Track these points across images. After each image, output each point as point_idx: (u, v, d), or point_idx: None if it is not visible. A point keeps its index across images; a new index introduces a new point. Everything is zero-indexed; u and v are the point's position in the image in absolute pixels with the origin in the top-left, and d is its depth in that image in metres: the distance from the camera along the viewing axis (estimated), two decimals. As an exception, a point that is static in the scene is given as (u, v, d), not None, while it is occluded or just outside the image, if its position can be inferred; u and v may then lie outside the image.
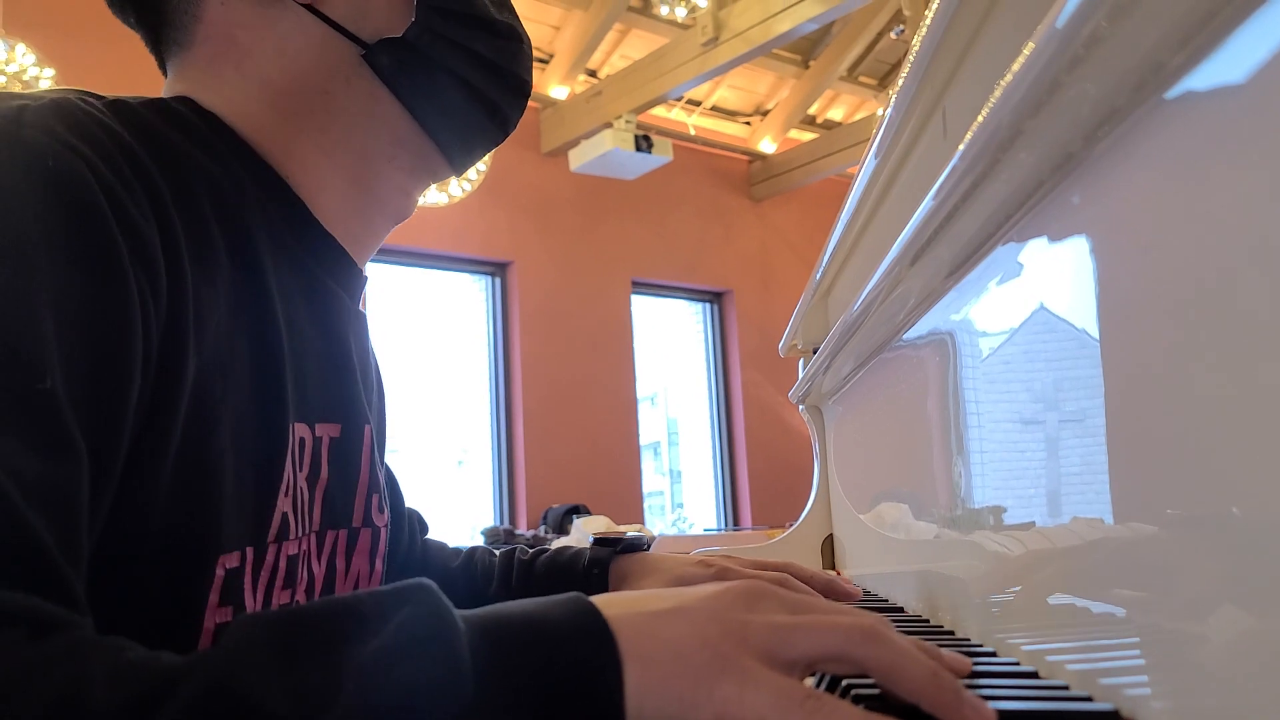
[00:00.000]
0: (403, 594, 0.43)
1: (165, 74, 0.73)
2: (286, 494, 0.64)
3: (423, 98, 0.73)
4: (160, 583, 0.54)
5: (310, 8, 0.70)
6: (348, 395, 0.74)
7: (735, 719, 0.42)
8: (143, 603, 0.53)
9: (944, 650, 0.51)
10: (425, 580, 0.44)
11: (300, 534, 0.67)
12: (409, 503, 1.05)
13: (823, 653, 0.45)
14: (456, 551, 1.05)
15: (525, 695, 0.41)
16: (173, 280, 0.54)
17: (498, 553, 1.04)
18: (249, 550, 0.60)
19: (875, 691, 0.48)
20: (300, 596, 0.67)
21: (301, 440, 0.67)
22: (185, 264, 0.55)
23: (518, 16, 0.79)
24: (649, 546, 0.98)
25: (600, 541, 0.98)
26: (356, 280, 0.77)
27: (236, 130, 0.68)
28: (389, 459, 0.91)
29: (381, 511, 0.79)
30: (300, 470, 0.66)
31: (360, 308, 0.80)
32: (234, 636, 0.40)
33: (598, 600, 0.46)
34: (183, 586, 0.55)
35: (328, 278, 0.73)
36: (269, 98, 0.69)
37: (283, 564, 0.64)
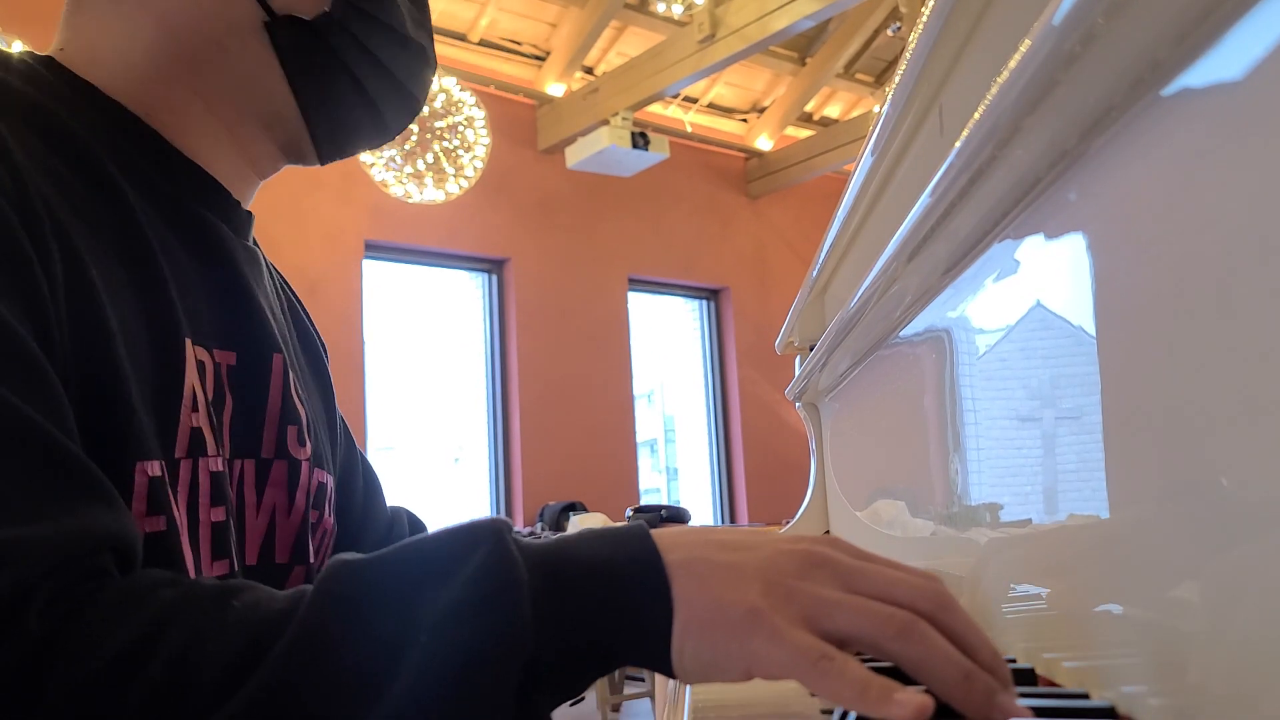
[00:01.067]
0: (474, 538, 0.47)
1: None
2: (194, 409, 0.64)
3: (310, 83, 0.73)
4: None
5: None
6: (244, 323, 0.73)
7: (762, 671, 0.45)
8: None
9: (989, 651, 0.49)
10: (495, 522, 0.48)
11: (219, 453, 0.67)
12: (406, 502, 1.04)
13: (857, 637, 0.46)
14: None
15: (583, 637, 0.46)
16: (56, 229, 0.56)
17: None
18: (159, 463, 0.60)
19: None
20: (232, 519, 0.67)
21: (201, 364, 0.66)
22: (64, 222, 0.57)
23: (432, 41, 0.80)
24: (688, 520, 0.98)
25: (640, 510, 0.98)
26: (235, 212, 0.76)
27: (100, 84, 0.68)
28: (379, 456, 0.91)
29: (302, 445, 0.77)
30: (206, 392, 0.66)
31: (252, 245, 0.79)
32: (320, 585, 0.45)
33: (665, 540, 0.49)
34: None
35: (202, 209, 0.72)
36: (161, 40, 0.69)
37: (204, 480, 0.64)
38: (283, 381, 0.75)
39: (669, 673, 0.47)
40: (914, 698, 0.42)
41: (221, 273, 0.72)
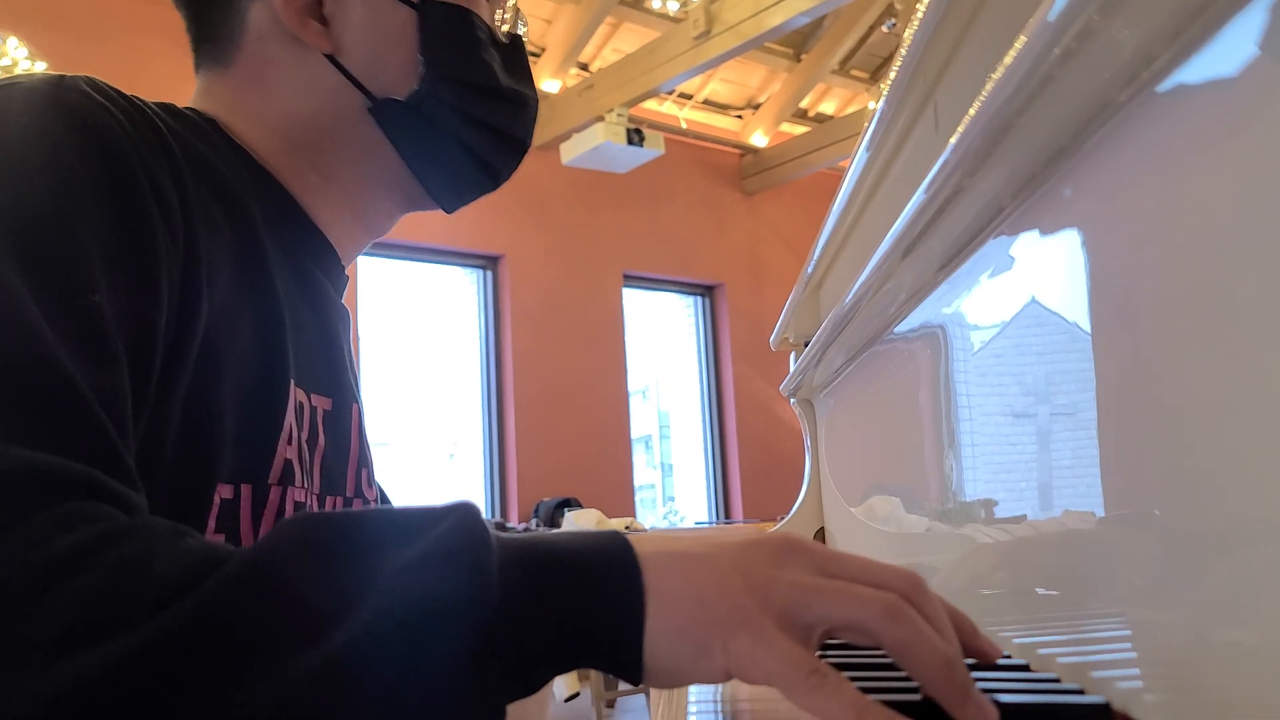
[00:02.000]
0: (444, 511, 0.46)
1: (196, 74, 0.80)
2: (290, 443, 0.68)
3: (418, 152, 0.79)
4: (166, 505, 0.56)
5: (331, 58, 0.76)
6: (337, 373, 0.79)
7: (743, 674, 0.44)
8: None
9: (981, 633, 0.50)
10: (468, 501, 0.47)
11: (305, 485, 0.70)
12: (401, 498, 1.05)
13: (841, 621, 0.45)
14: None
15: (548, 616, 0.44)
16: (188, 236, 0.60)
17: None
18: (246, 487, 0.64)
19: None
20: None
21: (300, 404, 0.71)
22: (197, 226, 0.61)
23: (531, 80, 0.84)
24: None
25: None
26: (341, 277, 0.84)
27: (247, 147, 0.75)
28: (374, 452, 0.93)
29: (371, 486, 0.83)
30: (301, 430, 0.71)
31: (344, 302, 0.85)
32: (281, 528, 0.44)
33: (633, 538, 0.47)
34: (187, 510, 0.59)
35: (318, 269, 0.79)
36: (284, 127, 0.76)
37: (289, 507, 0.68)
38: (359, 429, 0.82)
39: (635, 673, 0.44)
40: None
41: (325, 326, 0.78)
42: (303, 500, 0.70)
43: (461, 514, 0.45)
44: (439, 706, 0.41)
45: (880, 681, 0.55)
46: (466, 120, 0.79)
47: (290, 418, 0.69)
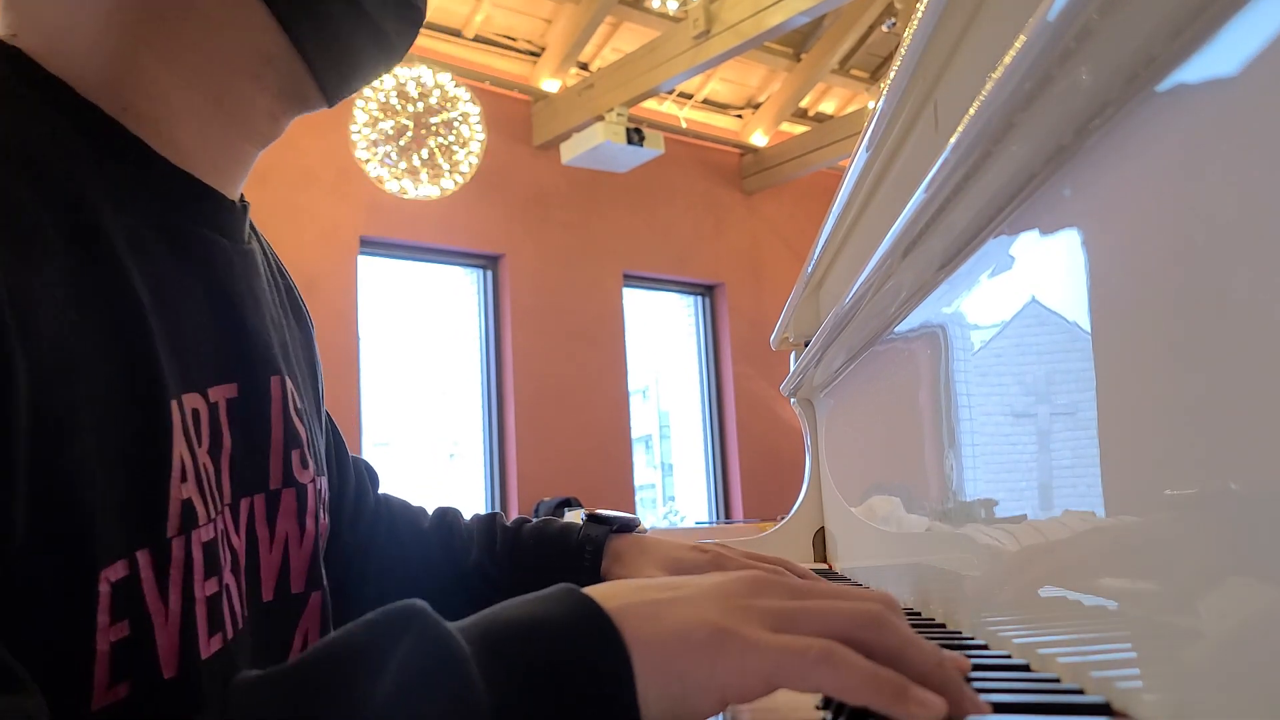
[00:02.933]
0: (397, 623, 0.42)
1: None
2: (184, 479, 0.56)
3: (300, 10, 0.64)
4: (39, 612, 0.48)
5: None
6: (242, 349, 0.67)
7: (740, 690, 0.43)
8: (26, 634, 0.46)
9: (945, 650, 0.51)
10: (415, 603, 0.43)
11: (212, 516, 0.60)
12: (402, 497, 1.04)
13: (829, 635, 0.44)
14: (422, 511, 1.02)
15: (543, 708, 0.42)
16: None
17: (468, 517, 1.01)
18: (141, 555, 0.53)
19: None
20: (228, 579, 0.62)
21: (194, 412, 0.60)
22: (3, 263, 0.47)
23: None
24: (639, 529, 0.98)
25: (593, 518, 0.97)
26: (229, 216, 0.68)
27: (66, 76, 0.59)
28: (374, 452, 0.90)
29: (305, 467, 0.73)
30: (199, 446, 0.60)
31: (248, 241, 0.72)
32: (234, 707, 0.40)
33: (597, 593, 0.46)
34: (64, 612, 0.49)
35: (195, 225, 0.64)
36: (116, 5, 0.60)
37: (198, 554, 0.57)
38: (283, 406, 0.70)
39: None
40: (931, 695, 0.41)
41: (216, 296, 0.65)
42: (210, 536, 0.59)
43: (419, 623, 0.42)
44: None
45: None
46: None
47: (180, 447, 0.57)
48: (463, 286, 6.32)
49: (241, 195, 0.72)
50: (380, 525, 0.98)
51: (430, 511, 1.03)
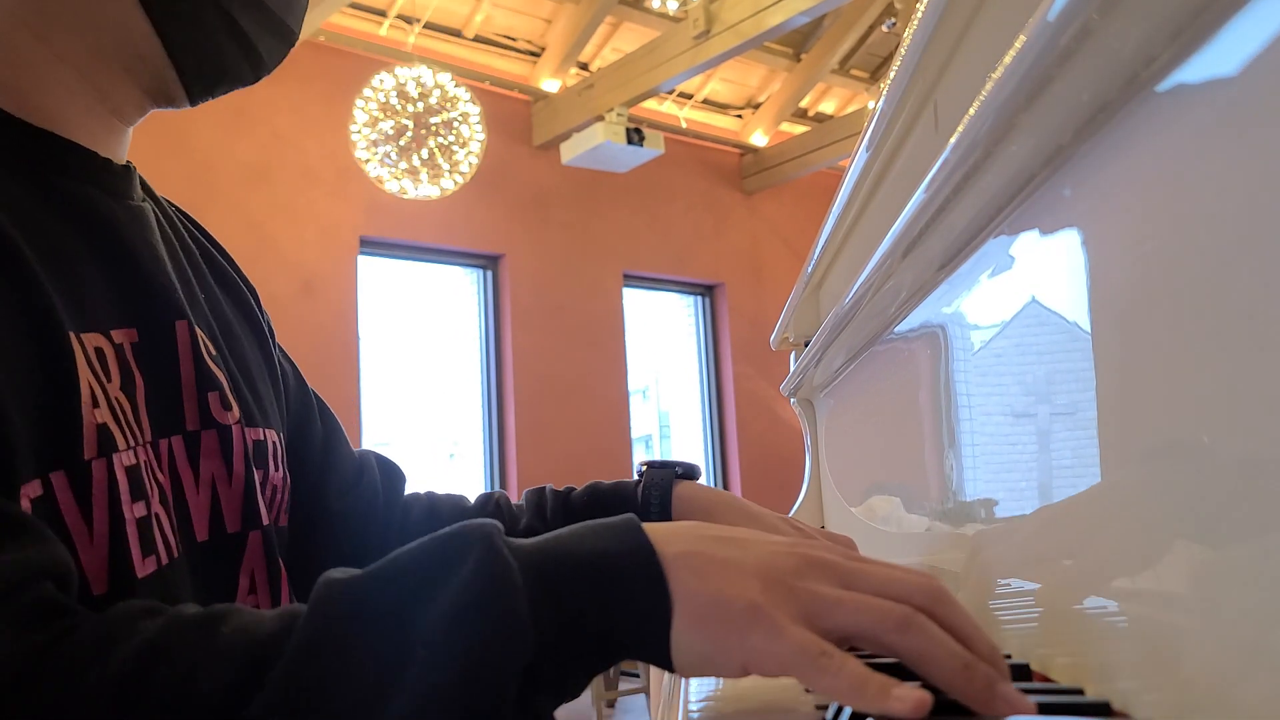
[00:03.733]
0: (467, 545, 0.46)
1: None
2: (96, 405, 0.59)
3: (173, 17, 0.66)
4: None
5: None
6: (138, 295, 0.68)
7: (761, 668, 0.45)
8: None
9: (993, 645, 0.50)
10: (486, 524, 0.47)
11: (131, 444, 0.62)
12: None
13: (855, 631, 0.46)
14: (464, 497, 1.03)
15: (583, 637, 0.46)
16: None
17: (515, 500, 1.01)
18: (56, 477, 0.56)
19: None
20: (156, 509, 0.63)
21: (98, 350, 0.62)
22: None
23: None
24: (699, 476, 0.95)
25: (653, 465, 0.94)
26: (109, 174, 0.70)
27: None
28: (382, 444, 0.90)
29: (228, 409, 0.73)
30: (110, 380, 0.62)
31: (138, 201, 0.73)
32: (315, 603, 0.44)
33: (658, 534, 0.49)
34: None
35: (70, 181, 0.66)
36: None
37: (122, 477, 0.60)
38: (191, 348, 0.71)
39: (667, 666, 0.47)
40: (912, 693, 0.42)
41: (105, 246, 0.67)
42: (133, 462, 0.61)
43: (482, 549, 0.46)
44: None
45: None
46: None
47: (87, 376, 0.59)
48: (463, 286, 6.32)
49: (128, 162, 0.74)
50: (417, 505, 1.00)
51: (478, 498, 1.03)
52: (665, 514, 0.91)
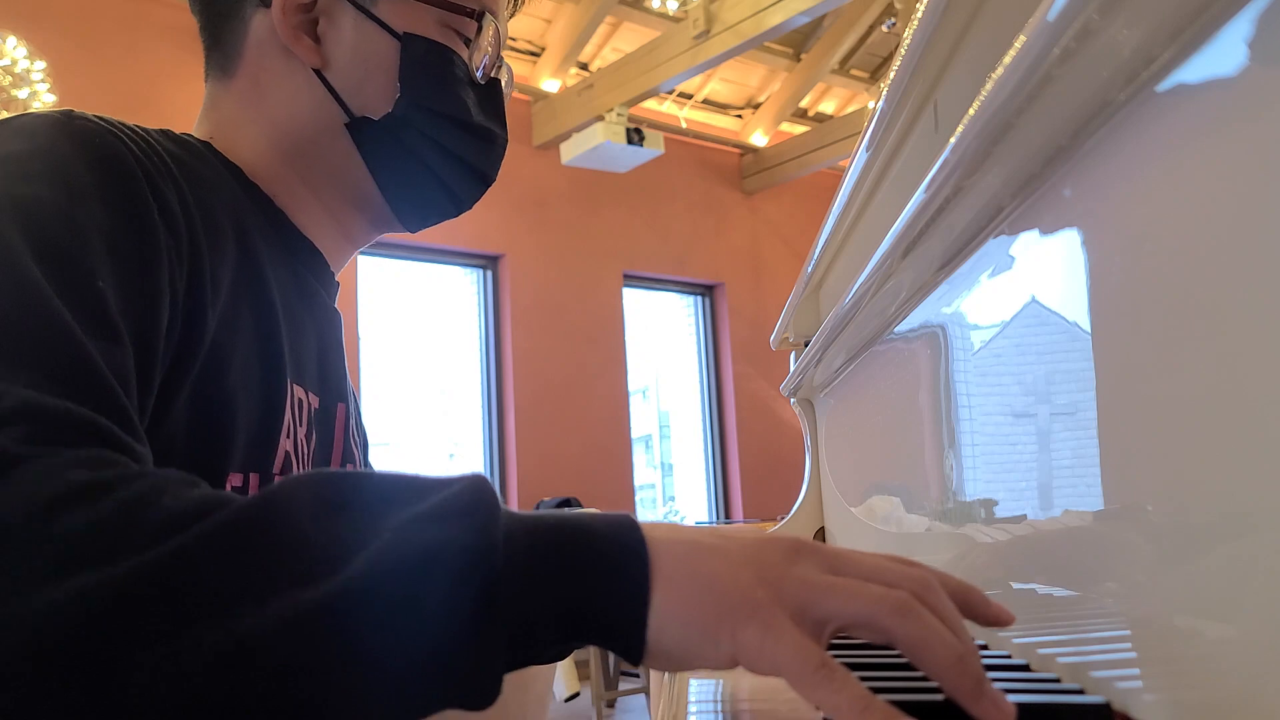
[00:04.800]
0: (456, 478, 0.47)
1: (206, 82, 0.88)
2: (288, 436, 0.74)
3: (387, 172, 0.85)
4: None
5: (319, 73, 0.82)
6: (327, 373, 0.85)
7: (751, 664, 0.44)
8: None
9: (993, 601, 0.50)
10: (480, 473, 0.47)
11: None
12: None
13: (852, 617, 0.45)
14: None
15: (551, 585, 0.44)
16: (192, 244, 0.65)
17: None
18: (254, 476, 0.70)
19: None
20: None
21: (299, 400, 0.78)
22: (200, 235, 0.67)
23: (503, 122, 0.91)
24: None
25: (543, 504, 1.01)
26: (331, 283, 0.90)
27: (241, 165, 0.81)
28: (375, 452, 0.99)
29: None
30: (299, 425, 0.77)
31: (335, 305, 0.91)
32: (291, 480, 0.45)
33: (644, 524, 0.48)
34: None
35: (309, 275, 0.85)
36: (273, 136, 0.83)
37: None
38: (344, 428, 0.88)
39: (636, 654, 0.45)
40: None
41: (317, 328, 0.84)
42: None
43: (472, 480, 0.46)
44: (437, 664, 0.42)
45: (893, 681, 0.55)
46: (434, 146, 0.85)
47: (289, 413, 0.75)
48: (463, 286, 6.32)
49: (338, 281, 0.93)
50: None
51: None
52: None
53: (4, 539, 0.40)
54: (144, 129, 0.71)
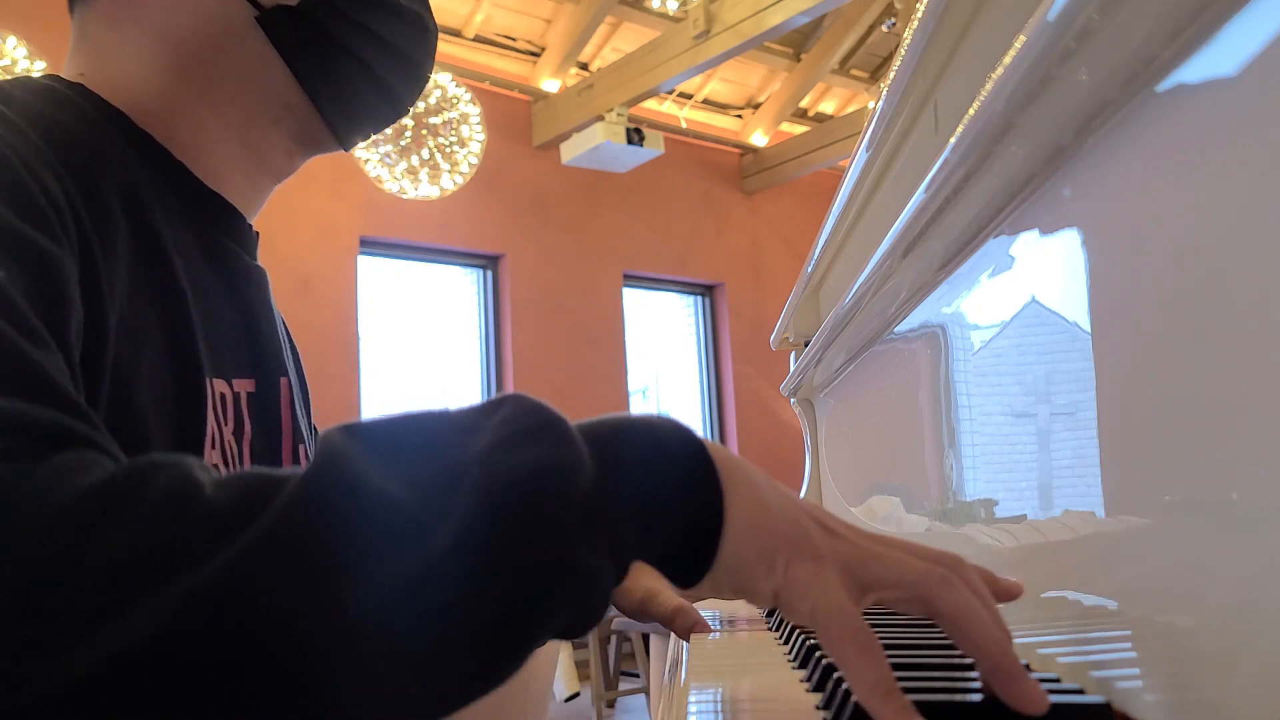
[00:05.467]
0: (494, 401, 0.43)
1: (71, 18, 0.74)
2: (214, 446, 0.64)
3: (313, 69, 0.73)
4: None
5: None
6: (259, 350, 0.74)
7: (791, 601, 0.43)
8: None
9: (1001, 578, 0.50)
10: (513, 392, 0.43)
11: None
12: None
13: (898, 584, 0.45)
14: None
15: (638, 496, 0.42)
16: (82, 241, 0.55)
17: None
18: None
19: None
20: None
21: (222, 396, 0.67)
22: (89, 229, 0.57)
23: (428, 6, 0.79)
24: None
25: None
26: (249, 236, 0.78)
27: (124, 108, 0.69)
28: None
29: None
30: (225, 425, 0.67)
31: (257, 262, 0.80)
32: (322, 450, 0.38)
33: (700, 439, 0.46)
34: None
35: (222, 236, 0.73)
36: (164, 54, 0.70)
37: None
38: (290, 405, 0.77)
39: (705, 565, 0.43)
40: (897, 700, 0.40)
41: (242, 301, 0.74)
42: None
43: (516, 398, 0.43)
44: (556, 590, 0.38)
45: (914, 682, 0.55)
46: (364, 34, 0.73)
47: (212, 419, 0.65)
48: (463, 286, 6.32)
49: (256, 230, 0.81)
50: None
51: None
52: None
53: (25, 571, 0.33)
54: (22, 91, 0.62)
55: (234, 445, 0.68)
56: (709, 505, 0.43)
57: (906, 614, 0.46)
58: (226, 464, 0.66)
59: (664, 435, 0.44)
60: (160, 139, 0.70)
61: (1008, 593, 0.51)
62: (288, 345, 0.84)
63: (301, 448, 0.77)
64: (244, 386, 0.71)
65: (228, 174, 0.74)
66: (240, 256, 0.75)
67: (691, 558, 0.44)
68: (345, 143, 0.79)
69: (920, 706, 0.42)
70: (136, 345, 0.59)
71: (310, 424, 0.86)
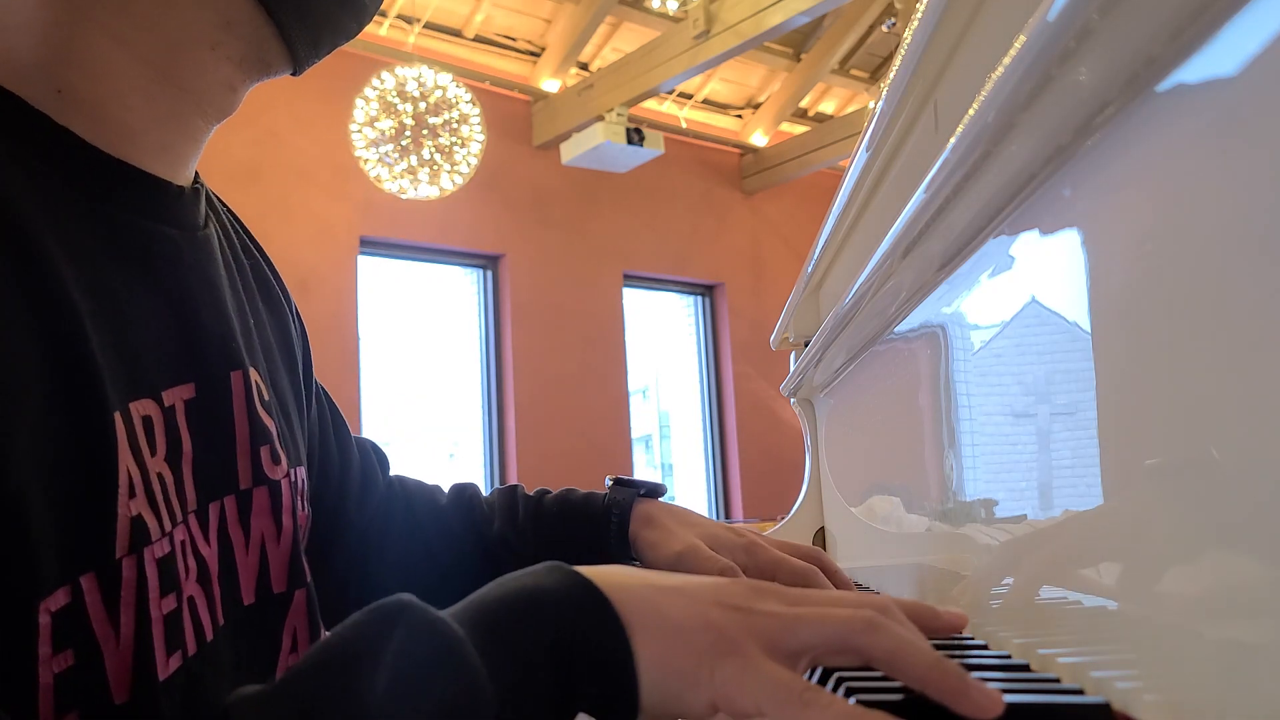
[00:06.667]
0: (385, 618, 0.42)
1: None
2: (133, 495, 0.53)
3: None
4: None
5: None
6: (200, 346, 0.63)
7: (732, 702, 0.42)
8: None
9: (941, 609, 0.51)
10: (401, 596, 0.43)
11: (168, 529, 0.56)
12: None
13: (825, 643, 0.44)
14: (438, 488, 1.00)
15: (545, 686, 0.42)
16: None
17: (486, 492, 0.99)
18: (86, 580, 0.50)
19: (872, 686, 0.48)
20: (191, 591, 0.59)
21: (146, 419, 0.56)
22: None
23: None
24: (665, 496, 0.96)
25: (619, 482, 0.93)
26: (176, 203, 0.63)
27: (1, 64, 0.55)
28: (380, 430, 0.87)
29: (277, 462, 0.69)
30: (154, 455, 0.56)
31: (203, 226, 0.67)
32: None
33: (590, 573, 0.46)
34: (3, 644, 0.46)
35: (136, 218, 0.59)
36: None
37: (151, 572, 0.54)
38: (246, 400, 0.66)
39: (631, 713, 0.43)
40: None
41: (167, 291, 0.61)
42: (166, 551, 0.56)
43: (409, 614, 0.42)
44: None
45: (872, 682, 0.55)
46: None
47: (127, 461, 0.53)
48: (463, 286, 6.32)
49: (196, 175, 0.67)
50: (395, 505, 0.96)
51: (446, 489, 1.01)
52: (623, 533, 0.91)
53: None
54: None
55: (167, 476, 0.58)
56: (619, 662, 0.43)
57: (846, 665, 0.46)
58: (154, 507, 0.55)
59: (561, 608, 0.44)
60: (43, 96, 0.55)
61: (950, 627, 0.50)
62: (259, 314, 0.74)
63: (264, 449, 0.67)
64: (179, 395, 0.60)
65: (143, 127, 0.59)
66: (164, 234, 0.61)
67: (618, 709, 0.43)
68: (302, 61, 0.64)
69: (906, 705, 0.43)
70: (10, 408, 0.47)
71: (301, 401, 0.81)
